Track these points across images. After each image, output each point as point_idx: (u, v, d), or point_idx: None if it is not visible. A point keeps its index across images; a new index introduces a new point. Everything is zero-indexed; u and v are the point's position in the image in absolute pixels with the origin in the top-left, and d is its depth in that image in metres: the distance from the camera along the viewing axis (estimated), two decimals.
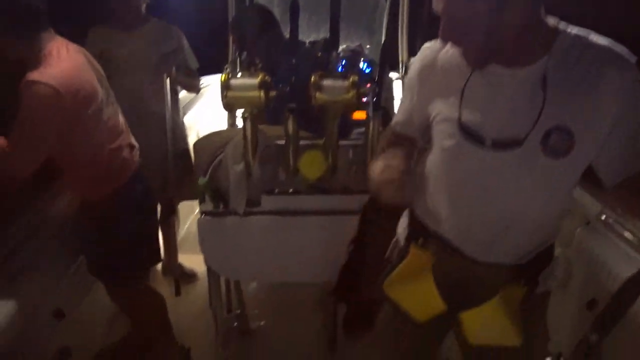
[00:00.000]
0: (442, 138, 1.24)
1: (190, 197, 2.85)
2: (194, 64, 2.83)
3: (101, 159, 1.89)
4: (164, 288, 2.96)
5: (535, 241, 1.27)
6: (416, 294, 1.35)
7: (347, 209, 1.95)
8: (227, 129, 2.49)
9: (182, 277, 2.92)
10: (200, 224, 1.98)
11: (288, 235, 1.98)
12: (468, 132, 1.16)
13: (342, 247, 1.97)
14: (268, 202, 1.96)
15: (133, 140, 2.09)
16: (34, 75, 1.62)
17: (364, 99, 1.83)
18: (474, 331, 1.32)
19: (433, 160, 1.30)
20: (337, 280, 1.94)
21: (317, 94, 1.74)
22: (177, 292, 2.70)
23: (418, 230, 1.38)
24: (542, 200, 1.18)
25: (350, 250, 1.94)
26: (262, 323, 2.66)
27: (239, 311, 2.57)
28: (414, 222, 1.42)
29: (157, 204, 2.39)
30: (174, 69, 2.60)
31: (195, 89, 3.06)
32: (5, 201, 2.00)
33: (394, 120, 1.47)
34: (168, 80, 2.58)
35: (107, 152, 1.90)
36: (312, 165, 1.81)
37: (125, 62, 2.55)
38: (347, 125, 2.31)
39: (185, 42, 2.74)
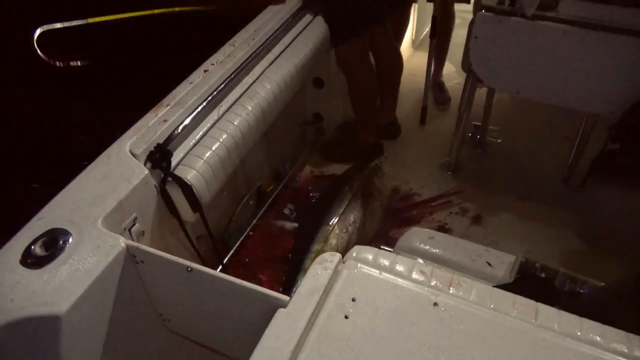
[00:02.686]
0: None
1: None
2: None
3: None
4: None
5: None
6: None
7: None
8: None
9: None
10: (478, 19, 1.79)
11: (578, 51, 1.69)
12: None
13: None
14: (568, 6, 1.64)
15: None
16: None
17: None
18: None
19: None
20: (623, 116, 1.67)
21: None
22: (423, 120, 2.71)
23: None
24: None
25: None
26: (499, 141, 2.56)
27: (479, 123, 2.49)
28: None
29: None
30: None
31: None
32: None
33: None
34: None
35: None
36: None
37: None
38: None
39: None
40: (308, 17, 2.09)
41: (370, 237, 2.05)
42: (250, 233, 2.02)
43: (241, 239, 1.97)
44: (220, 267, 1.80)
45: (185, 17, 1.89)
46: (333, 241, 1.89)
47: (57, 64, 1.53)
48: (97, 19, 1.63)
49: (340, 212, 1.99)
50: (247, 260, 1.95)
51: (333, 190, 2.11)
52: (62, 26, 1.54)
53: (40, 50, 1.50)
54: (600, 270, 1.73)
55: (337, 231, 1.93)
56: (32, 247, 1.09)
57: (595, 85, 1.72)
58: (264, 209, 2.10)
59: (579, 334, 0.92)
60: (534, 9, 1.68)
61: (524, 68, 1.82)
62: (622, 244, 1.85)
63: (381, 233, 2.08)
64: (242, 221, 2.01)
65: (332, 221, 1.95)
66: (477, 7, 1.83)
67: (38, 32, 1.50)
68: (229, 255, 1.89)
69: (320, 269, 0.99)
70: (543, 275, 1.33)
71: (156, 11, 1.77)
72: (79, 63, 1.55)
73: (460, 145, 2.40)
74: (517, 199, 2.27)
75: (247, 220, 2.04)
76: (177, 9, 1.77)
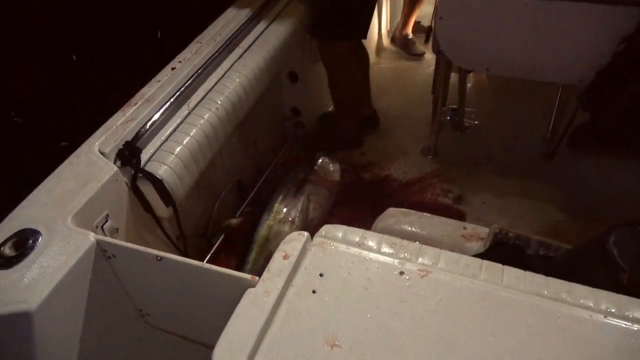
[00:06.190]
0: None
1: None
2: None
3: None
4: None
5: None
6: None
7: None
8: None
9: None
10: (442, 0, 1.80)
11: (541, 22, 1.69)
12: None
13: (606, 46, 1.64)
14: None
15: None
16: None
17: None
18: None
19: None
20: (591, 84, 1.68)
21: None
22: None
23: None
24: None
25: (618, 50, 1.61)
26: (476, 122, 2.58)
27: (456, 106, 2.50)
28: None
29: None
30: None
31: None
32: None
33: None
34: None
35: None
36: None
37: None
38: None
39: None
40: (280, 5, 2.08)
41: (316, 221, 2.05)
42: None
43: (222, 236, 1.97)
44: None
45: None
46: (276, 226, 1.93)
47: None
48: None
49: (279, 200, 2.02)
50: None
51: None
52: None
53: None
54: (580, 237, 1.75)
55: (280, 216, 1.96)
56: (2, 248, 1.09)
57: (560, 55, 1.73)
58: (245, 203, 2.10)
59: (546, 292, 0.93)
60: None
61: (491, 44, 1.83)
62: (600, 211, 1.87)
63: (361, 217, 2.08)
64: (224, 217, 2.01)
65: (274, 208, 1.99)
66: None
67: None
68: (211, 252, 1.89)
69: (288, 248, 1.00)
70: (517, 243, 1.34)
71: None
72: None
73: (439, 129, 2.41)
74: (497, 176, 2.28)
75: (229, 216, 2.04)
76: None
